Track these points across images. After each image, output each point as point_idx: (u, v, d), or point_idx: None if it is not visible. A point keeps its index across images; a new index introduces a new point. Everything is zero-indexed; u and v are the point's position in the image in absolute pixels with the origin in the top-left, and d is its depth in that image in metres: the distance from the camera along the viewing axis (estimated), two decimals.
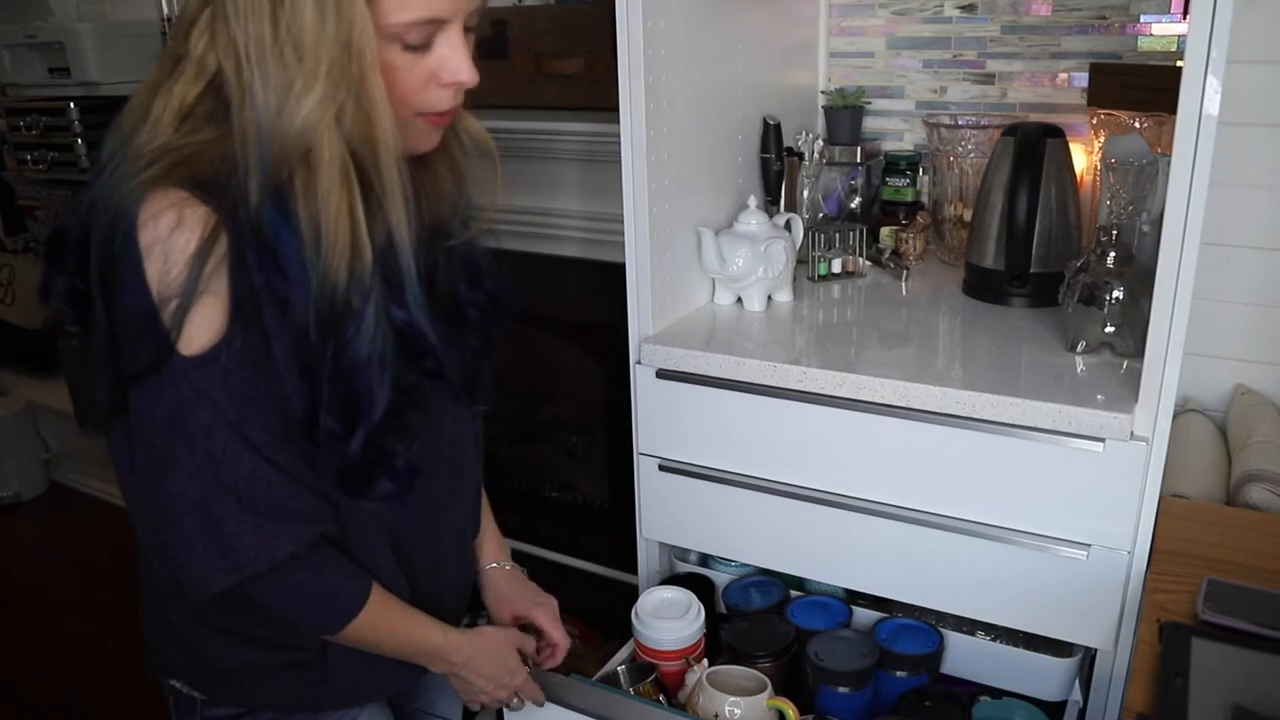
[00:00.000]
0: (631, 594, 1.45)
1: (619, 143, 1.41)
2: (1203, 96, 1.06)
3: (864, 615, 1.45)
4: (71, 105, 2.83)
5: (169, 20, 2.79)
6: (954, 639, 1.39)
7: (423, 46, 0.89)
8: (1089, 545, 1.23)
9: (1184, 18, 1.14)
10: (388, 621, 1.03)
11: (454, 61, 0.91)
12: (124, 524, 0.91)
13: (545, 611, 1.28)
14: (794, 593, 1.52)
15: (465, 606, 1.22)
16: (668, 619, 1.38)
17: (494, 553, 1.30)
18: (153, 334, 0.86)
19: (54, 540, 3.32)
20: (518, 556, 1.31)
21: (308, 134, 0.85)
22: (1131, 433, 1.18)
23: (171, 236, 0.85)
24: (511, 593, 1.29)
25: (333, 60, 0.84)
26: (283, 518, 0.92)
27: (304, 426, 0.91)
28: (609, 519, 1.44)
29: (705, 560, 1.61)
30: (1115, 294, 1.30)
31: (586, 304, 1.85)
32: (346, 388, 0.90)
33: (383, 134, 0.87)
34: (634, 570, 1.61)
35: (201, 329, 0.87)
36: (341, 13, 0.83)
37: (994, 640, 1.37)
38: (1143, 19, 1.66)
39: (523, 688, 1.18)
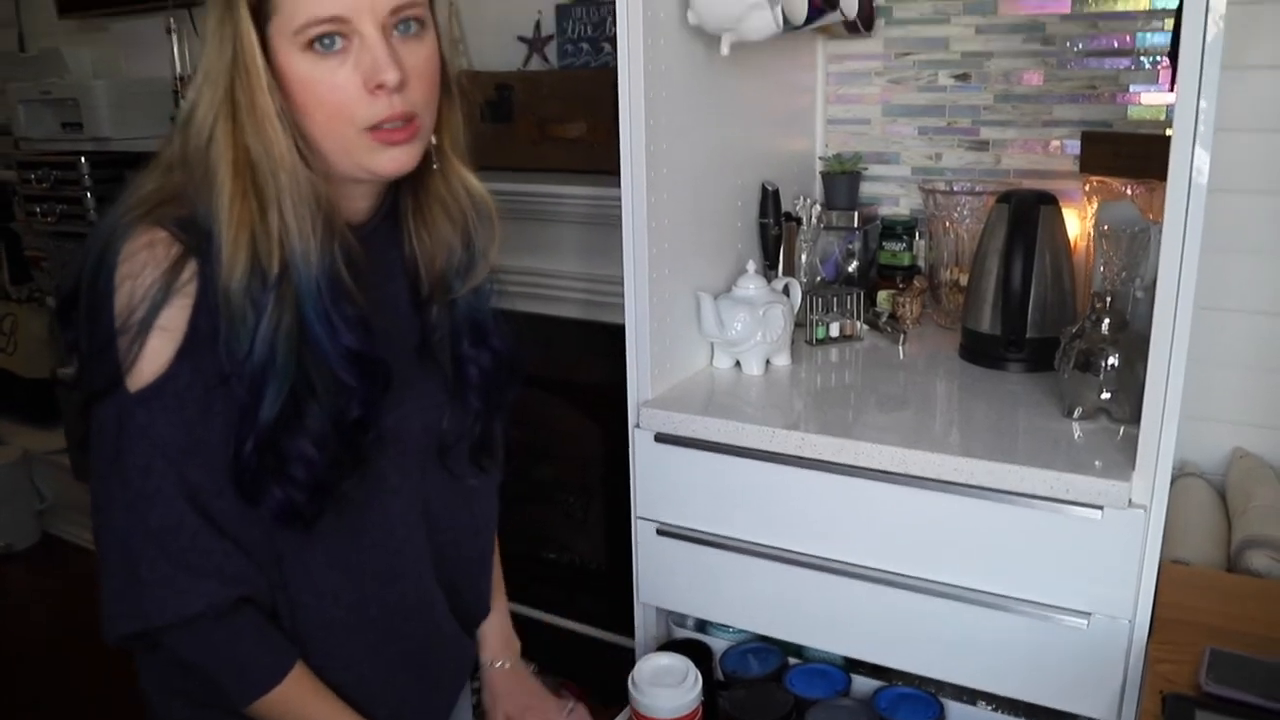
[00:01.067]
0: (628, 658, 1.44)
1: (619, 206, 1.42)
2: (1191, 165, 1.08)
3: (863, 684, 1.44)
4: (82, 160, 2.87)
5: (181, 79, 2.84)
6: (955, 708, 1.38)
7: (337, 51, 0.89)
8: (1089, 614, 1.22)
9: (1171, 89, 1.17)
10: (304, 707, 1.00)
11: (369, 62, 0.89)
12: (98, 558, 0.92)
13: (556, 715, 1.25)
14: (792, 660, 1.51)
15: (453, 698, 1.19)
16: (665, 686, 1.37)
17: (496, 648, 1.26)
18: (109, 360, 0.88)
19: (46, 592, 3.30)
20: (514, 617, 1.30)
21: (205, 139, 0.89)
22: (1129, 500, 1.18)
23: (143, 272, 0.88)
24: (509, 695, 1.26)
25: (229, 79, 0.88)
26: (201, 573, 0.91)
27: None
28: (606, 582, 1.43)
29: (703, 625, 1.60)
30: (1111, 360, 1.31)
31: (585, 364, 1.86)
32: (241, 392, 0.90)
33: (274, 144, 0.89)
34: (631, 634, 1.59)
35: (149, 363, 0.88)
36: (229, 36, 0.88)
37: (995, 710, 1.37)
38: (1132, 89, 1.69)
39: None
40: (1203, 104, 1.06)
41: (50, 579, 3.38)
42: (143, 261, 0.88)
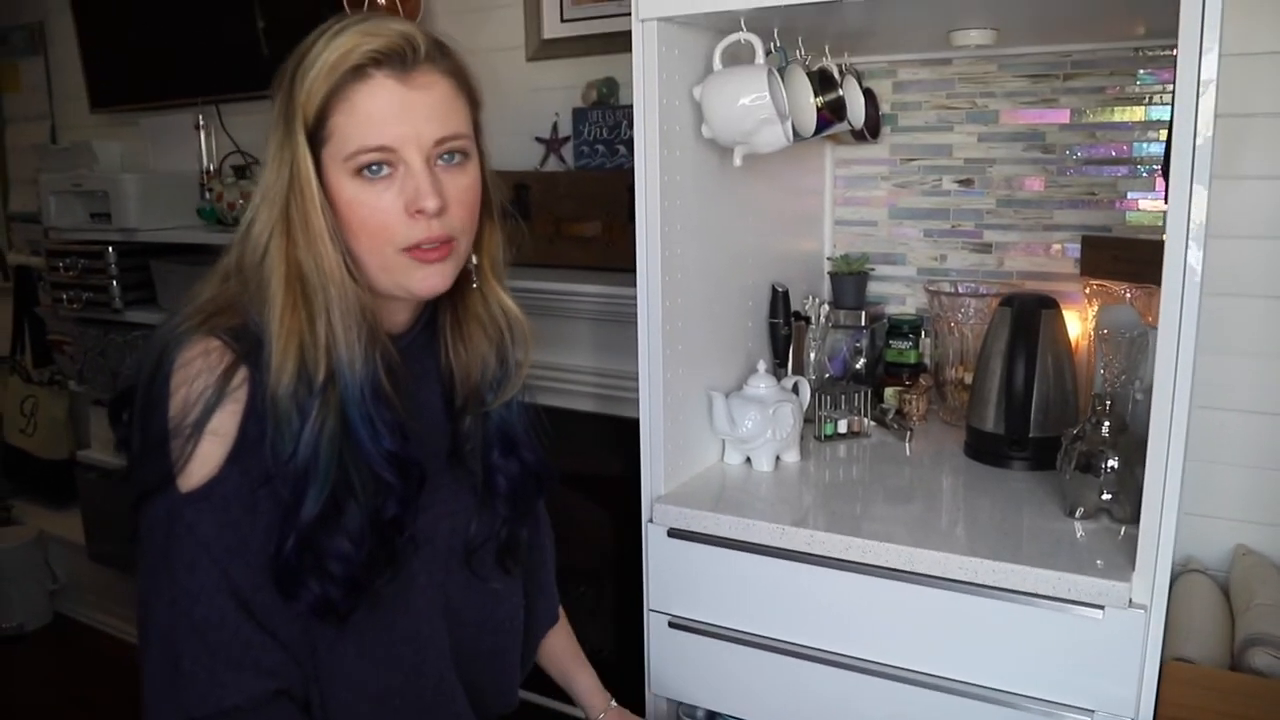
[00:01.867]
0: None
1: (633, 303, 1.48)
2: (1184, 268, 1.12)
3: None
4: (110, 249, 2.94)
5: (208, 172, 2.94)
6: None
7: (383, 177, 0.96)
8: (1094, 711, 1.24)
9: (1166, 197, 1.22)
10: None
11: (412, 189, 0.96)
12: (127, 659, 0.96)
13: None
14: None
15: None
16: None
17: (598, 701, 1.38)
18: (161, 460, 0.93)
19: (57, 673, 3.29)
20: (526, 706, 1.32)
21: (260, 253, 0.96)
22: (1130, 600, 1.20)
23: (197, 378, 0.93)
24: None
25: (285, 198, 0.96)
26: (240, 667, 0.95)
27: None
28: (617, 671, 1.45)
29: (713, 717, 1.61)
30: (1111, 462, 1.35)
31: (599, 458, 1.90)
32: (284, 492, 0.95)
33: (325, 259, 0.95)
34: None
35: (200, 465, 0.93)
36: (287, 159, 0.95)
37: None
38: (1130, 195, 1.75)
39: None
40: (1195, 208, 1.11)
41: (61, 660, 3.37)
42: (197, 369, 0.93)
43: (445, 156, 0.99)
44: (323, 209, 0.95)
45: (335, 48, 0.94)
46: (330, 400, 0.95)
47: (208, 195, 2.89)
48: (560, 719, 1.98)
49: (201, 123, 2.98)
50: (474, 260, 1.07)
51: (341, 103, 0.94)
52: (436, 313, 1.12)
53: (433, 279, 1.00)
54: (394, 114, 0.95)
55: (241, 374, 0.94)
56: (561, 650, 1.40)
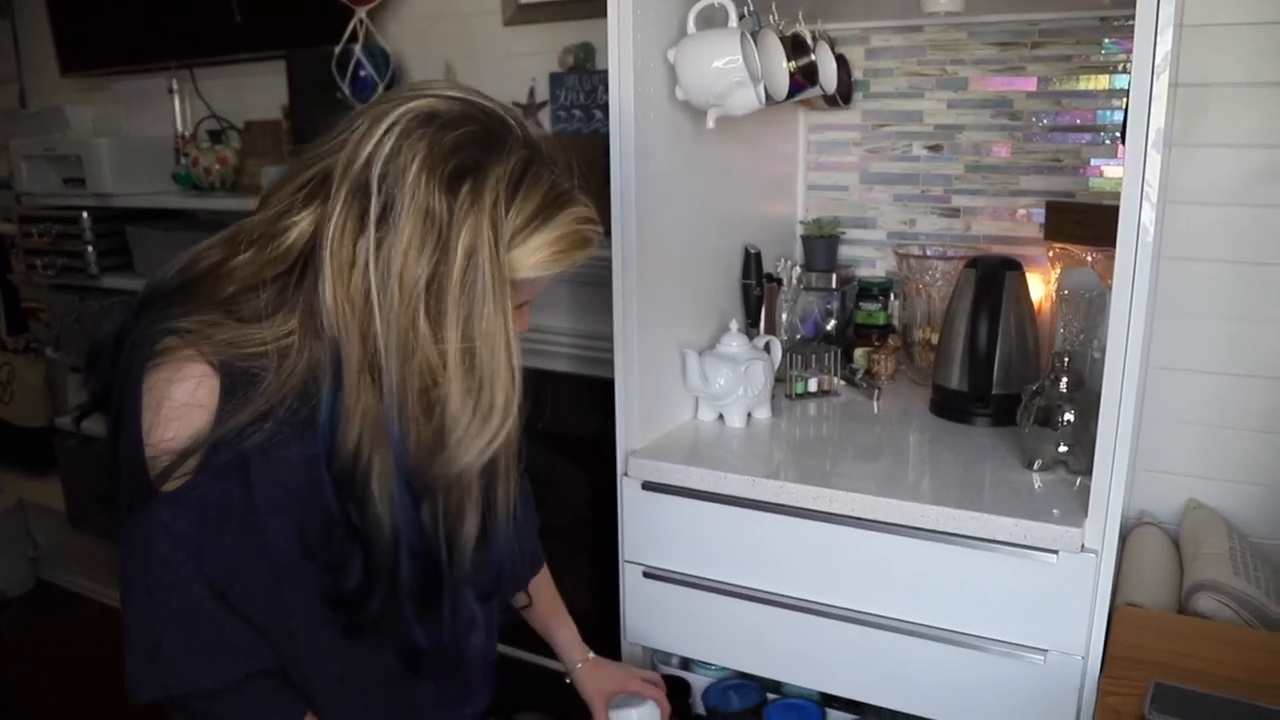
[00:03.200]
0: None
1: (609, 266, 1.51)
2: (1138, 230, 1.16)
3: (837, 718, 1.51)
4: (84, 215, 2.91)
5: (183, 137, 2.93)
6: None
7: None
8: (1046, 650, 1.30)
9: None
10: None
11: (520, 320, 1.01)
12: (109, 623, 0.99)
13: (638, 683, 1.41)
14: (770, 696, 1.57)
15: None
16: (627, 709, 1.42)
17: (576, 652, 1.44)
18: (140, 478, 0.95)
19: (39, 639, 3.32)
20: (504, 659, 1.37)
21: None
22: (1082, 545, 1.26)
23: (171, 391, 0.93)
24: (600, 680, 1.42)
25: (466, 288, 0.92)
26: (216, 653, 0.98)
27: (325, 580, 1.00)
28: (593, 623, 1.49)
29: (686, 663, 1.66)
30: (1067, 416, 1.41)
31: (575, 417, 1.94)
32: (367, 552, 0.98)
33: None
34: None
35: (178, 475, 0.95)
36: (488, 268, 0.93)
37: None
38: (1093, 162, 1.80)
39: None
40: (1149, 170, 1.15)
41: (44, 625, 3.40)
42: (168, 379, 0.93)
43: None
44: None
45: (562, 244, 0.97)
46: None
47: (183, 160, 2.88)
48: (538, 671, 2.03)
49: (175, 87, 2.96)
50: None
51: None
52: None
53: None
54: None
55: (213, 386, 0.93)
56: (543, 604, 1.44)
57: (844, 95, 1.90)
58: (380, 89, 2.49)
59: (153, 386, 0.94)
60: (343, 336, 0.92)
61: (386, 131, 0.91)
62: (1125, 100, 1.68)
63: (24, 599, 3.56)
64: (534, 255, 0.95)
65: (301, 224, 0.94)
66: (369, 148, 0.91)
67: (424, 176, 0.89)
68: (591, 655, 1.45)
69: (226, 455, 0.95)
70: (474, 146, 0.92)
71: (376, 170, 0.90)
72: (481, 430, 0.95)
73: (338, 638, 1.05)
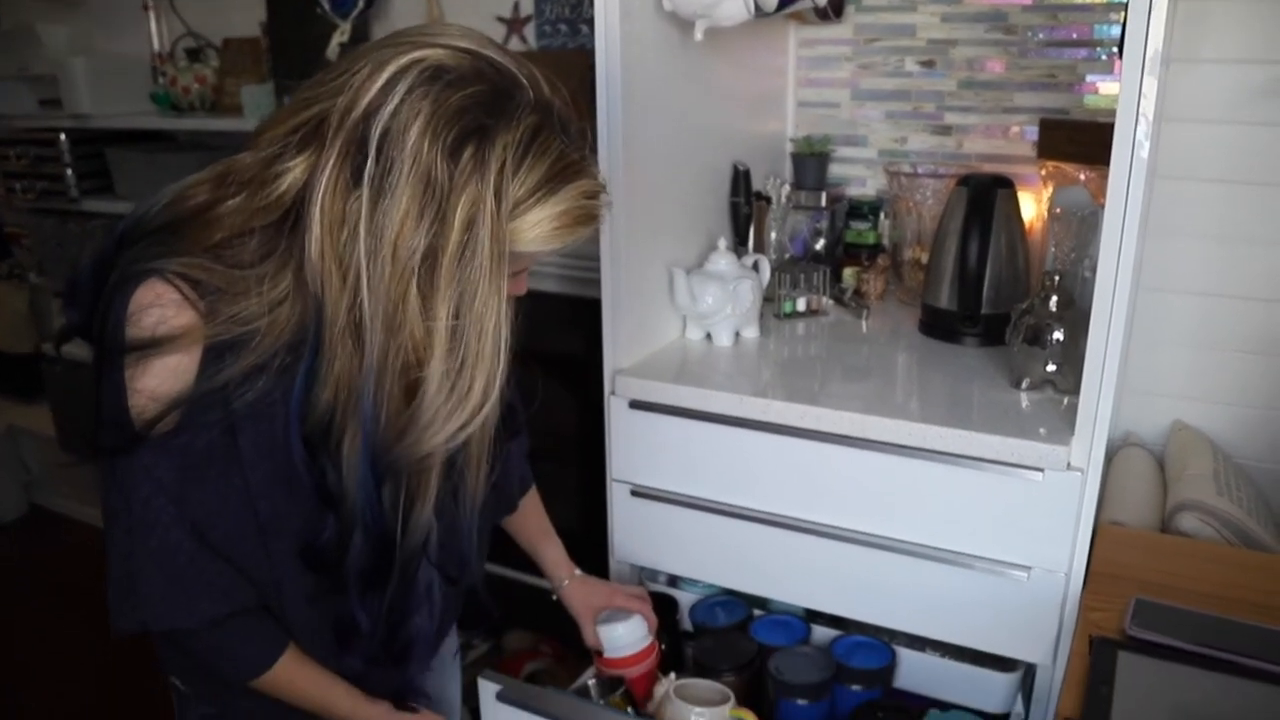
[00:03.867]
0: None
1: None
2: (1133, 149, 1.14)
3: (822, 633, 1.53)
4: (62, 137, 2.87)
5: (160, 55, 2.87)
6: (906, 655, 1.46)
7: None
8: (1030, 567, 1.31)
9: None
10: (294, 685, 1.07)
11: (517, 285, 0.99)
12: (103, 547, 0.99)
13: (625, 599, 1.43)
14: (756, 612, 1.59)
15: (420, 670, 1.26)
16: (614, 623, 1.44)
17: (563, 569, 1.45)
18: (123, 425, 0.93)
19: (34, 563, 3.34)
20: (494, 579, 1.38)
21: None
22: (1068, 463, 1.26)
23: (156, 337, 0.90)
24: (588, 596, 1.43)
25: (476, 262, 0.88)
26: (195, 594, 0.97)
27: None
28: (582, 542, 1.50)
29: (674, 581, 1.68)
30: (1056, 335, 1.40)
31: (563, 338, 1.93)
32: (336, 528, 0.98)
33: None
34: None
35: (159, 420, 0.92)
36: (483, 231, 0.88)
37: (943, 657, 1.45)
38: (1089, 78, 1.77)
39: None
40: (1146, 85, 1.12)
41: (38, 549, 3.43)
42: (154, 321, 0.90)
43: None
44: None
45: (567, 218, 0.92)
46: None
47: (161, 80, 2.83)
48: (526, 590, 2.05)
49: (150, 3, 2.89)
50: None
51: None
52: None
53: None
54: None
55: (198, 338, 0.91)
56: (530, 523, 1.45)
57: (835, 8, 1.86)
58: (361, 5, 2.43)
59: (137, 331, 0.90)
60: (326, 296, 0.89)
61: (389, 82, 0.86)
62: (1123, 14, 1.66)
63: (17, 524, 3.58)
64: (535, 229, 0.90)
65: (295, 171, 0.89)
66: (368, 98, 0.86)
67: (426, 140, 0.84)
68: (578, 572, 1.46)
69: (214, 408, 0.93)
70: (481, 109, 0.87)
71: (376, 127, 0.85)
72: (454, 415, 0.92)
73: (321, 590, 1.05)
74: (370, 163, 0.85)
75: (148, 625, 0.98)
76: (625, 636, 1.41)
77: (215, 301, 0.90)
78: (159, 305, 0.90)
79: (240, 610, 1.01)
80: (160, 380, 0.91)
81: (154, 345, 0.89)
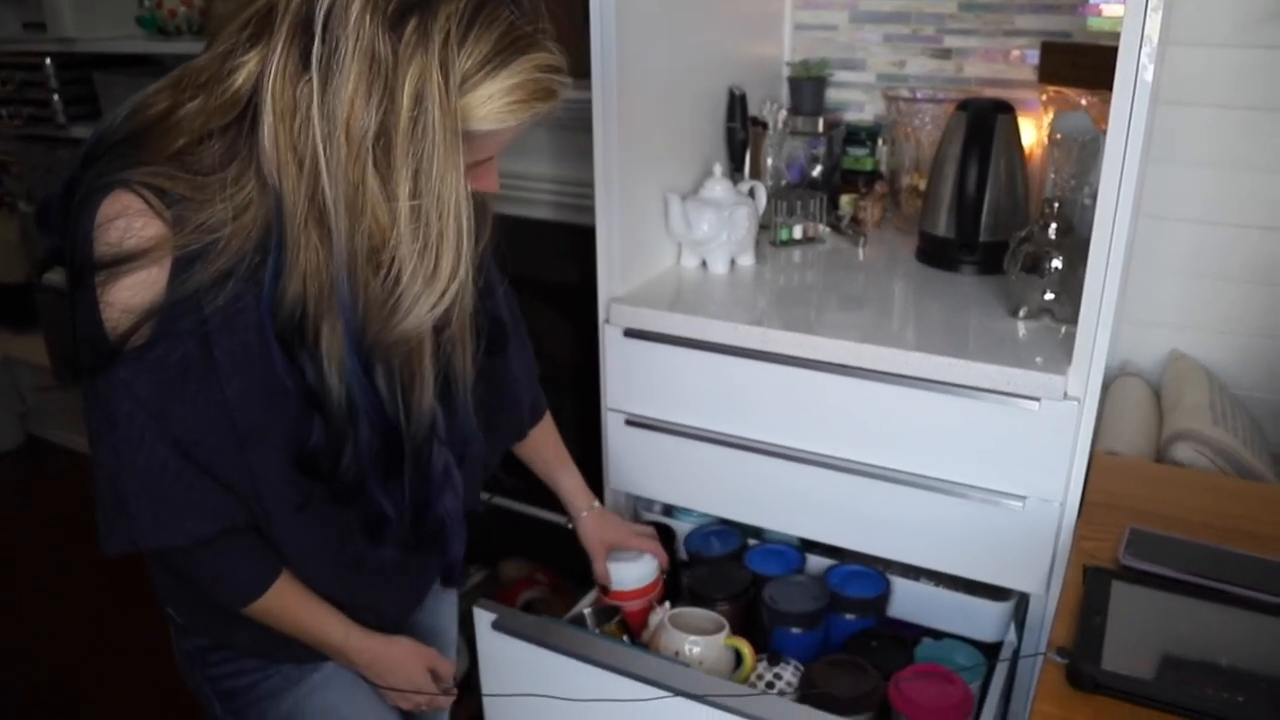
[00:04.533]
0: None
1: (589, 109, 1.46)
2: (1137, 73, 1.12)
3: (816, 562, 1.54)
4: (47, 61, 2.82)
5: None
6: (899, 584, 1.48)
7: None
8: (1025, 497, 1.31)
9: None
10: (287, 612, 1.08)
11: (486, 179, 0.99)
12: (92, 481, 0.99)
13: (638, 539, 1.47)
14: (751, 541, 1.60)
15: (421, 597, 1.28)
16: (625, 561, 1.46)
17: (582, 500, 1.47)
18: (98, 340, 0.91)
19: (31, 493, 3.36)
20: (491, 508, 1.38)
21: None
22: (1065, 393, 1.26)
23: (124, 248, 0.88)
24: (603, 529, 1.45)
25: (431, 145, 0.87)
26: (183, 511, 0.97)
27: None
28: (579, 471, 1.51)
29: (669, 510, 1.68)
30: (1055, 263, 1.38)
31: (557, 266, 1.91)
32: (329, 427, 0.97)
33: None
34: None
35: (134, 332, 0.91)
36: (432, 124, 0.86)
37: (936, 585, 1.46)
38: (1091, 0, 1.73)
39: (428, 704, 1.23)
40: (1150, 8, 1.09)
41: (36, 479, 3.45)
42: (120, 232, 0.88)
43: None
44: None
45: (520, 92, 0.89)
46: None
47: (147, 2, 2.76)
48: (521, 518, 2.06)
49: None
50: None
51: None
52: None
53: None
54: None
55: (167, 247, 0.89)
56: (546, 452, 1.45)
57: None
58: None
59: (105, 244, 0.89)
60: (284, 188, 0.88)
61: None
62: None
63: (14, 454, 3.59)
64: (488, 104, 0.88)
65: (249, 64, 0.88)
66: None
67: (368, 15, 0.82)
68: (597, 505, 1.47)
69: (186, 317, 0.92)
70: None
71: (320, 8, 0.83)
72: (426, 292, 0.90)
73: (305, 501, 1.05)
74: (317, 43, 0.83)
75: (137, 544, 0.97)
76: (635, 572, 1.43)
77: (182, 210, 0.89)
78: (125, 216, 0.89)
79: (230, 529, 1.01)
80: (132, 292, 0.90)
81: (124, 258, 0.89)
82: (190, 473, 0.97)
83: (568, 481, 1.46)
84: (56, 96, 2.86)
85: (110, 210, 0.89)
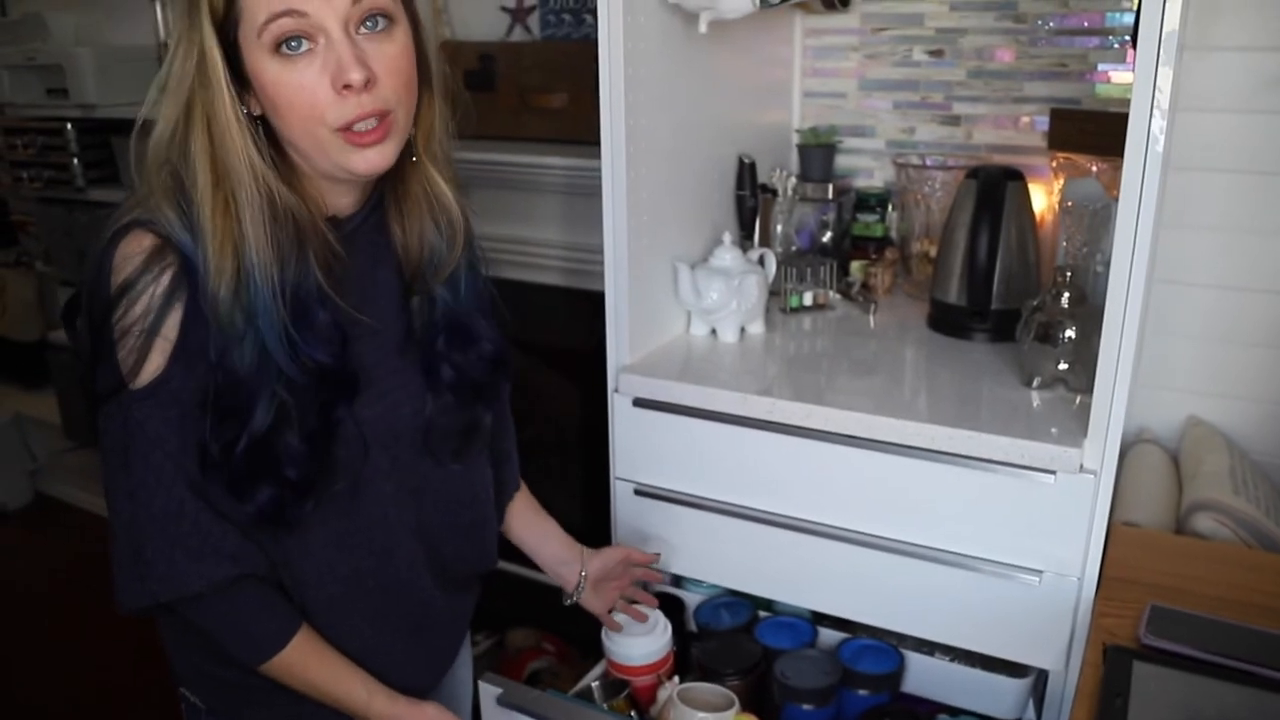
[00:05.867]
0: None
1: (599, 176, 1.46)
2: (1148, 139, 1.11)
3: (829, 635, 1.51)
4: (69, 126, 2.88)
5: (165, 45, 2.85)
6: (914, 659, 1.44)
7: (304, 53, 0.91)
8: (1041, 571, 1.29)
9: None
10: (309, 669, 1.05)
11: (335, 62, 0.91)
12: (107, 534, 0.98)
13: (634, 587, 1.45)
14: (762, 613, 1.57)
15: (450, 659, 1.26)
16: (637, 635, 1.43)
17: (571, 578, 1.40)
18: (111, 364, 0.93)
19: (40, 551, 3.36)
20: (496, 575, 1.36)
21: (176, 146, 0.93)
22: (1081, 465, 1.24)
23: (137, 281, 0.91)
24: (608, 589, 1.42)
25: (190, 90, 0.91)
26: (201, 555, 0.96)
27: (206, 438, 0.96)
28: (585, 540, 1.49)
29: (677, 581, 1.66)
30: (1068, 332, 1.37)
31: (566, 330, 1.91)
32: (235, 397, 0.94)
33: (232, 154, 0.92)
34: None
35: (148, 367, 0.93)
36: (194, 49, 0.91)
37: (952, 661, 1.43)
38: (1100, 67, 1.73)
39: None
40: (1161, 74, 1.09)
41: (44, 536, 3.44)
42: (133, 267, 0.91)
43: (369, 23, 0.93)
44: (232, 98, 0.91)
45: None
46: (265, 307, 0.94)
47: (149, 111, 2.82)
48: (528, 585, 2.03)
49: None
50: (412, 133, 1.02)
51: None
52: (384, 192, 1.08)
53: (374, 158, 0.96)
54: None
55: (177, 270, 0.92)
56: (527, 521, 1.41)
57: None
58: None
59: (118, 269, 0.92)
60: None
61: None
62: (1136, 1, 1.62)
63: (24, 512, 3.59)
64: None
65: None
66: None
67: None
68: (584, 574, 1.40)
69: (194, 341, 0.93)
70: None
71: None
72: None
73: (324, 544, 1.04)
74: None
75: (156, 596, 0.96)
76: (645, 647, 1.41)
77: (181, 232, 0.93)
78: (142, 252, 0.92)
79: (249, 575, 1.00)
80: (142, 309, 0.92)
81: (131, 279, 0.92)
82: (207, 517, 0.96)
83: (547, 550, 1.41)
84: (76, 160, 2.92)
85: (128, 249, 0.92)
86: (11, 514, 3.55)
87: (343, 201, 1.04)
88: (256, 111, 0.95)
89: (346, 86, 0.91)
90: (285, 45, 0.90)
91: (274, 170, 0.95)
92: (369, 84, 0.92)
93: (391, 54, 0.95)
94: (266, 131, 0.96)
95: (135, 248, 0.92)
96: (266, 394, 0.95)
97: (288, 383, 0.96)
